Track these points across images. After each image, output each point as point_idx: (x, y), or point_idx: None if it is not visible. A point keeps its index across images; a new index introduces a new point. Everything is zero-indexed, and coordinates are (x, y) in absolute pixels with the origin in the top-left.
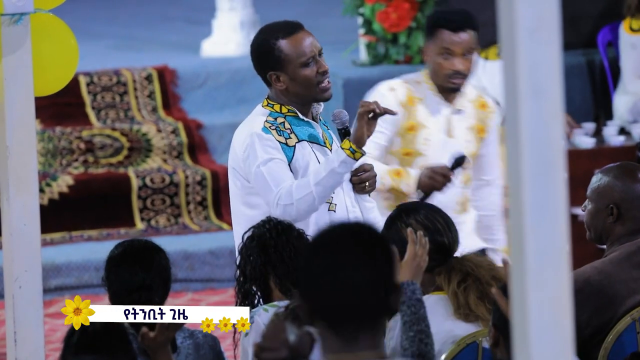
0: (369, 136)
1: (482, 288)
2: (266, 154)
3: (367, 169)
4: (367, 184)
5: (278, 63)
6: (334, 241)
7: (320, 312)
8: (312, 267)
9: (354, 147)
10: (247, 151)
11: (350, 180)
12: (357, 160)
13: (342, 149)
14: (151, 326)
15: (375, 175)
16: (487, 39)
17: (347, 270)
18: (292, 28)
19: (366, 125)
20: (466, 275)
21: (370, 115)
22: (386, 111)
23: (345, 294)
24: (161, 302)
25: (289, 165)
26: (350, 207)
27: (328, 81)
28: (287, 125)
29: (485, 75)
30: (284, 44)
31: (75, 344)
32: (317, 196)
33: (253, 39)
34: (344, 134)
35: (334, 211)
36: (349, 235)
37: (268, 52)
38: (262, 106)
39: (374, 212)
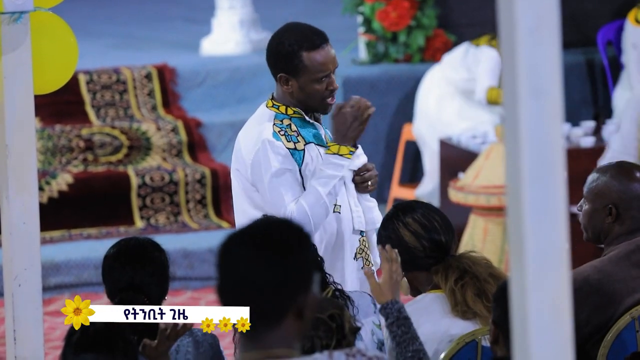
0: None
1: (479, 285)
2: (279, 163)
3: (369, 168)
4: (369, 182)
5: (294, 70)
6: (245, 236)
7: (230, 305)
8: (225, 258)
9: (351, 149)
10: (257, 158)
11: (353, 180)
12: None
13: (342, 155)
14: (152, 335)
15: (377, 175)
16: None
17: (252, 266)
18: (318, 41)
19: (363, 126)
20: (463, 273)
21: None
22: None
23: (251, 288)
24: (156, 301)
25: (300, 170)
26: (353, 207)
27: (333, 97)
28: (293, 127)
29: (473, 59)
30: (306, 56)
31: (75, 342)
32: (329, 203)
33: (276, 35)
34: None
35: (339, 212)
36: (262, 232)
37: (288, 56)
38: (267, 107)
39: (375, 211)
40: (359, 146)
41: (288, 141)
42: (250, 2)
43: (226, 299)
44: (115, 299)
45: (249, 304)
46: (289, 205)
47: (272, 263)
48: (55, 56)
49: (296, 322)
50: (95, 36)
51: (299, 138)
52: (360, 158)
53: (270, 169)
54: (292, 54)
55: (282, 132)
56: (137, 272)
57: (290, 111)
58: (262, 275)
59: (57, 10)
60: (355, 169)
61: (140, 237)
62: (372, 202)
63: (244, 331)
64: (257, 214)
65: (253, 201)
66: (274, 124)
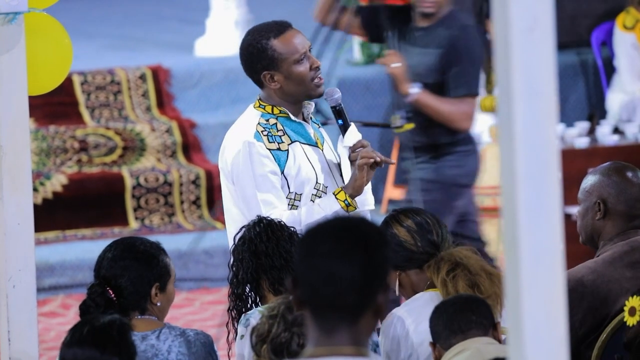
0: (366, 184)
1: (471, 277)
2: (258, 167)
3: (364, 144)
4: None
5: (272, 62)
6: (332, 231)
7: (307, 300)
8: (307, 251)
9: (349, 200)
10: (237, 160)
11: (349, 157)
12: (349, 212)
13: (337, 199)
14: None
15: (374, 151)
16: None
17: (338, 260)
18: (281, 27)
19: (366, 175)
20: (455, 265)
21: (370, 165)
22: (385, 161)
23: (332, 283)
24: (130, 298)
25: (282, 172)
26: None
27: (320, 77)
28: (279, 126)
29: None
30: (276, 43)
31: (71, 336)
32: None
33: (242, 42)
34: (337, 112)
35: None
36: (350, 228)
37: (260, 52)
38: (254, 107)
39: (367, 193)
40: (352, 124)
41: (270, 142)
42: (245, 3)
43: (306, 295)
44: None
45: (332, 300)
46: (268, 214)
47: (359, 260)
48: (49, 57)
49: (372, 320)
50: (89, 37)
51: (284, 138)
52: (354, 135)
53: (249, 173)
54: (263, 48)
55: (265, 132)
56: (115, 264)
57: (276, 111)
58: (350, 272)
59: (52, 11)
60: (350, 144)
61: (139, 237)
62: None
63: (315, 323)
64: (239, 215)
65: (235, 200)
66: (258, 124)
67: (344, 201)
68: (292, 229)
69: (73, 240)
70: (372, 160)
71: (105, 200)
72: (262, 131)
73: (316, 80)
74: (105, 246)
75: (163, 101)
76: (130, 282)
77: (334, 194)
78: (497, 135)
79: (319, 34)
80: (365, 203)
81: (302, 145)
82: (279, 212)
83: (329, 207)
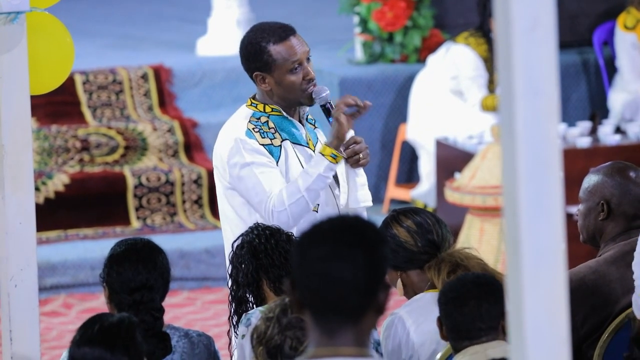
0: (347, 131)
1: None
2: (251, 157)
3: (357, 140)
4: (360, 155)
5: (266, 66)
6: (328, 233)
7: (307, 302)
8: (306, 254)
9: (334, 152)
10: (231, 156)
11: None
12: (338, 164)
13: (323, 155)
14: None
15: (367, 147)
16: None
17: (339, 262)
18: (284, 33)
19: (346, 123)
20: (456, 266)
21: (348, 113)
22: (364, 105)
23: (334, 285)
24: (160, 303)
25: (277, 165)
26: (341, 182)
27: (315, 85)
28: (270, 124)
29: (450, 57)
30: (274, 48)
31: (82, 335)
32: (309, 200)
33: (244, 37)
34: (327, 110)
35: (316, 211)
36: (347, 228)
37: (257, 53)
38: (246, 106)
39: (363, 189)
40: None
41: (263, 137)
42: (247, 2)
43: (306, 298)
44: (126, 299)
45: (334, 303)
46: (271, 196)
47: (359, 261)
48: (51, 56)
49: (373, 319)
50: (91, 36)
51: (276, 135)
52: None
53: (245, 164)
54: (260, 50)
55: (256, 129)
56: (151, 272)
57: (268, 109)
58: (351, 274)
59: (53, 10)
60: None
61: (143, 238)
62: (362, 179)
63: (317, 325)
64: (233, 214)
65: (229, 200)
66: (249, 121)
67: (330, 155)
68: (290, 232)
69: (75, 239)
70: (344, 107)
71: (107, 199)
72: (253, 128)
73: (307, 91)
74: (114, 248)
75: (165, 100)
76: (163, 290)
77: (320, 152)
78: (498, 135)
79: (321, 32)
80: (361, 199)
81: (292, 144)
82: (278, 190)
83: (318, 165)
